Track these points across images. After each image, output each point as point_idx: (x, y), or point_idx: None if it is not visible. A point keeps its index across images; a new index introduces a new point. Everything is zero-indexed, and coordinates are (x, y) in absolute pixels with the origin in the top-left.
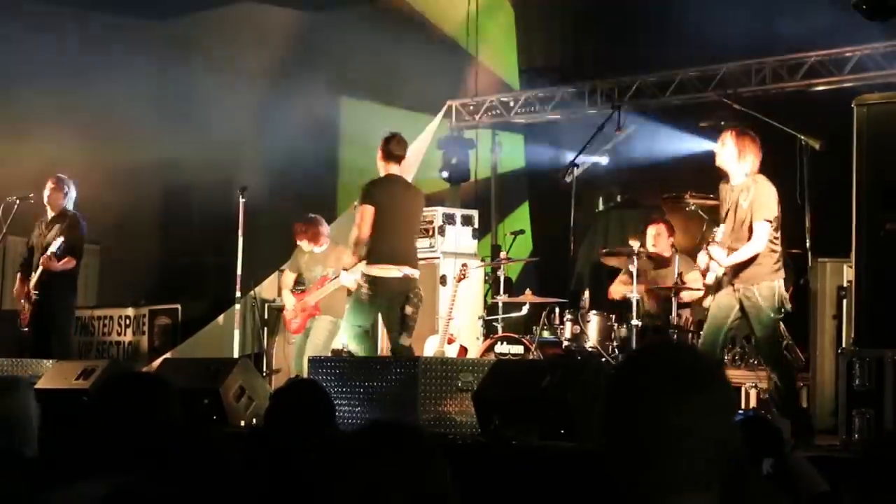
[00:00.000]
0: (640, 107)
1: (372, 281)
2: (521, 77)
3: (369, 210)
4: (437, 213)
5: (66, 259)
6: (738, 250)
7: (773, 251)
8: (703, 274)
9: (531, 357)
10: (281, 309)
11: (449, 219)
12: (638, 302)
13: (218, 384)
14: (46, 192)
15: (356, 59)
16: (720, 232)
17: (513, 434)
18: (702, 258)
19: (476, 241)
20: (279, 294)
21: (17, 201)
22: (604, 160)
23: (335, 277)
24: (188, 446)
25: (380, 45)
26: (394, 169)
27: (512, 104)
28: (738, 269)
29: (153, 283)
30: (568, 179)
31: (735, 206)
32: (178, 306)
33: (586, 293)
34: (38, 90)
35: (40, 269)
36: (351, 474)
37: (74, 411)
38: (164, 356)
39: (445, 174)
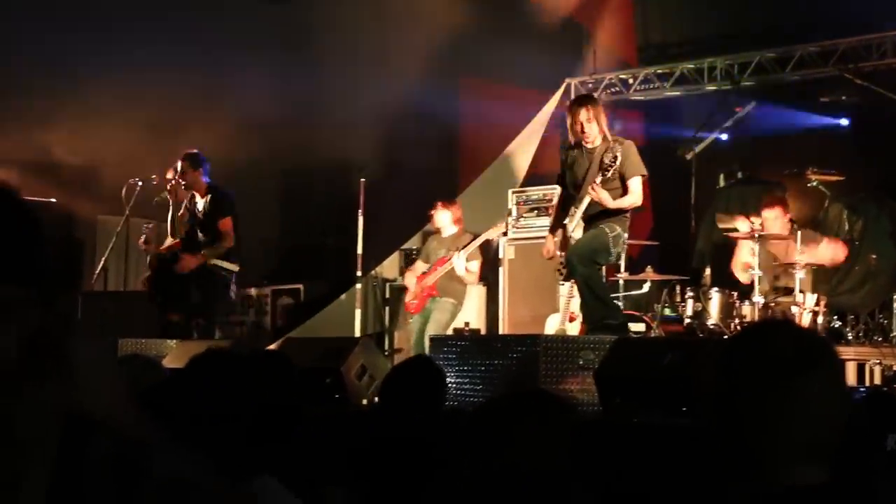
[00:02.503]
0: (760, 82)
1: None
2: (639, 54)
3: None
4: (556, 192)
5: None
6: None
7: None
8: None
9: (652, 335)
10: (402, 289)
11: None
12: (759, 279)
13: (340, 363)
14: (180, 174)
15: (474, 37)
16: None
17: (635, 412)
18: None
19: None
20: (401, 274)
21: (140, 183)
22: (724, 136)
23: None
24: (271, 422)
25: (498, 23)
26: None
27: (631, 81)
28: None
29: (276, 263)
30: (688, 157)
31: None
32: (301, 286)
33: (707, 270)
34: (162, 73)
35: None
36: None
37: None
38: (287, 336)
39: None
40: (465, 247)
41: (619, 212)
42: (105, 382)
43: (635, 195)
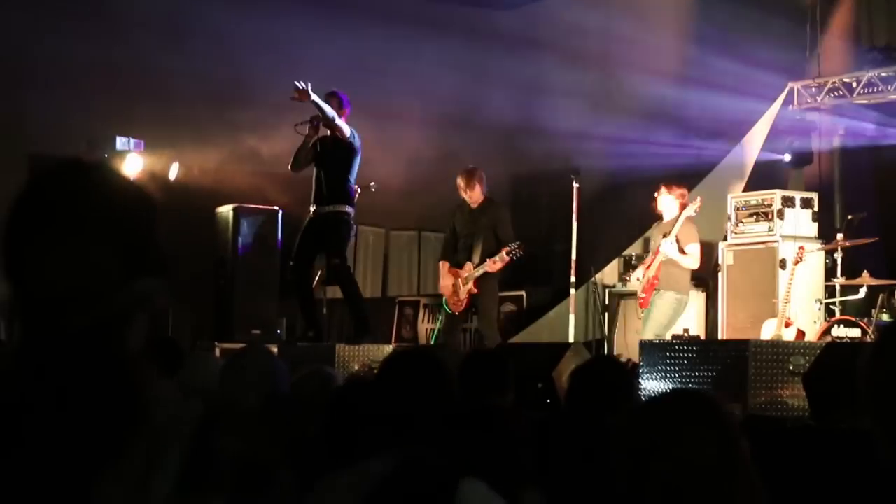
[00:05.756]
0: None
1: None
2: (864, 57)
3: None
4: (775, 196)
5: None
6: None
7: None
8: None
9: (868, 340)
10: (622, 295)
11: (788, 202)
12: None
13: (550, 369)
14: (463, 188)
15: (696, 42)
16: None
17: (843, 418)
18: None
19: (815, 224)
20: (619, 280)
21: (359, 190)
22: None
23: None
24: (469, 420)
25: (719, 28)
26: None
27: (854, 85)
28: None
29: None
30: None
31: None
32: (523, 293)
33: None
34: (391, 86)
35: (482, 270)
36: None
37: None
38: (507, 342)
39: (787, 157)
40: (669, 232)
41: None
42: None
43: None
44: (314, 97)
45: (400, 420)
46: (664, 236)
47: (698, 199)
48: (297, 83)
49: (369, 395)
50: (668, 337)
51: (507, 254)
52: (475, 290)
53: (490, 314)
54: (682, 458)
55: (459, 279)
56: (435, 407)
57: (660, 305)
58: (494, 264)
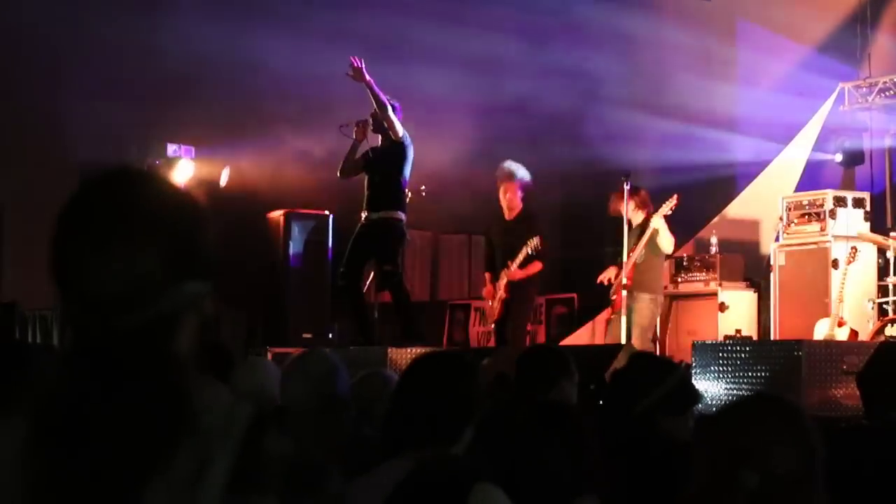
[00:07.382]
0: None
1: None
2: None
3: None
4: (827, 196)
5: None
6: None
7: None
8: None
9: None
10: (675, 297)
11: (839, 202)
12: None
13: (602, 370)
14: (502, 191)
15: (746, 42)
16: None
17: None
18: None
19: (868, 224)
20: (671, 282)
21: (409, 194)
22: None
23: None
24: (491, 422)
25: (770, 27)
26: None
27: None
28: None
29: (552, 273)
30: None
31: None
32: (574, 296)
33: None
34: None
35: (505, 278)
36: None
37: None
38: (558, 343)
39: (839, 157)
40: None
41: None
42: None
43: None
44: (368, 78)
45: (421, 422)
46: (643, 228)
47: (674, 196)
48: (352, 58)
49: (392, 397)
50: (649, 337)
51: (530, 249)
52: (505, 296)
53: (518, 322)
54: (771, 468)
55: (494, 288)
56: (458, 409)
57: (640, 310)
58: (513, 271)
